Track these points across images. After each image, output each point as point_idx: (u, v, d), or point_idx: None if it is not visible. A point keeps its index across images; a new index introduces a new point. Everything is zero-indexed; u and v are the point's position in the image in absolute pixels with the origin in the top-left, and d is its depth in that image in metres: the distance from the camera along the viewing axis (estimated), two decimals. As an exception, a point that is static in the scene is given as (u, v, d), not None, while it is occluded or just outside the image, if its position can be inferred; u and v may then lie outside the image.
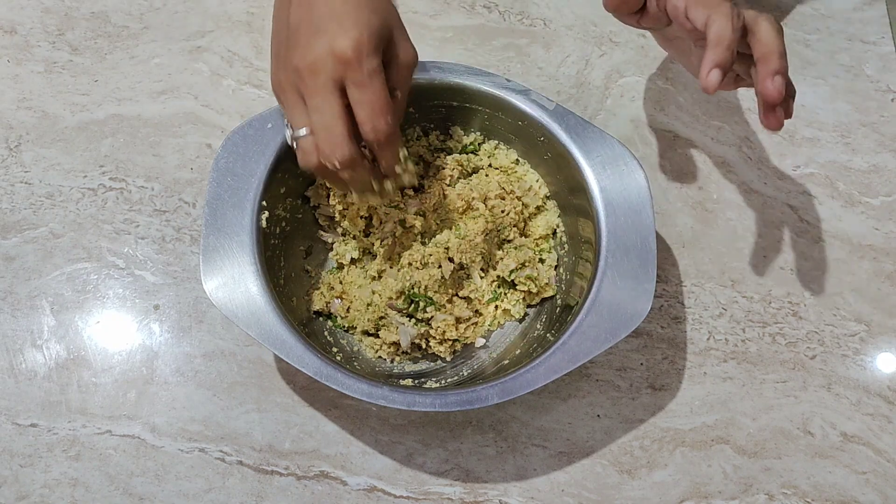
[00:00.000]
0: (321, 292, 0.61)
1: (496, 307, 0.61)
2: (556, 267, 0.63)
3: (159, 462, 0.58)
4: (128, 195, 0.66)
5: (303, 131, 0.50)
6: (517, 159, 0.64)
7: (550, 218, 0.63)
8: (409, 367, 0.60)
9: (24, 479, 0.57)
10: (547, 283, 0.61)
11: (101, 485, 0.57)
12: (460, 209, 0.61)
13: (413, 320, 0.59)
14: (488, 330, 0.62)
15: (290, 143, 0.53)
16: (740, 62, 0.52)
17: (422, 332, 0.58)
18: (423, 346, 0.60)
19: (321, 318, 0.61)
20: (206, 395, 0.60)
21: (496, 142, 0.64)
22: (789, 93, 0.51)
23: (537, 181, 0.63)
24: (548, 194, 0.63)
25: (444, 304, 0.59)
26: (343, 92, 0.48)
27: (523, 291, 0.61)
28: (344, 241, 0.62)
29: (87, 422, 0.59)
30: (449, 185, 0.62)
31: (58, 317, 0.61)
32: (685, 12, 0.51)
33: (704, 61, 0.49)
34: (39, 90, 0.69)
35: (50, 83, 0.69)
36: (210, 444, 0.58)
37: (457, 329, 0.59)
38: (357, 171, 0.50)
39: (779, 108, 0.50)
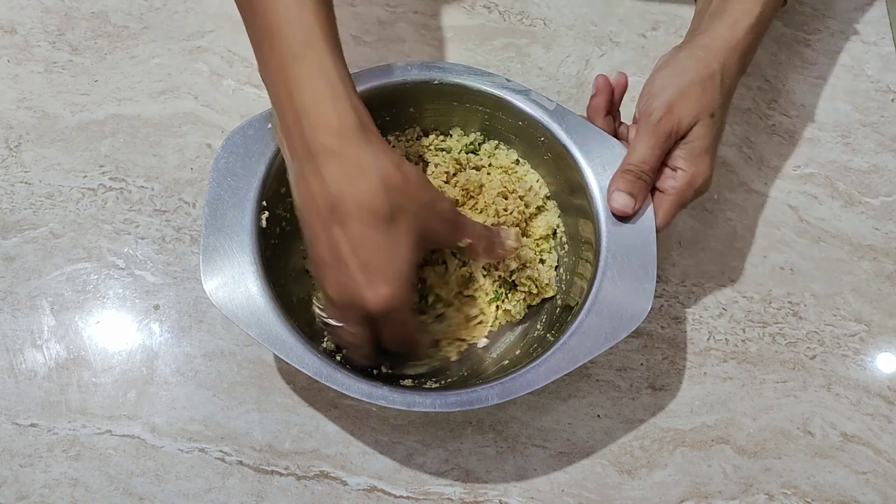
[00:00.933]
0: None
1: (497, 307, 0.61)
2: (556, 267, 0.63)
3: (159, 462, 0.58)
4: (128, 195, 0.66)
5: (333, 321, 0.51)
6: (517, 159, 0.64)
7: (551, 218, 0.63)
8: (410, 368, 0.60)
9: (24, 479, 0.57)
10: (547, 284, 0.61)
11: (101, 485, 0.57)
12: (461, 200, 0.61)
13: (428, 317, 0.59)
14: (490, 330, 0.62)
15: (318, 317, 0.54)
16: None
17: (439, 328, 0.58)
18: (436, 346, 0.60)
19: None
20: (206, 395, 0.60)
21: (496, 142, 0.64)
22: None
23: (537, 181, 0.63)
24: (548, 194, 0.63)
25: (452, 301, 0.59)
26: (374, 320, 0.49)
27: (524, 292, 0.61)
28: None
29: (87, 422, 0.59)
30: (446, 183, 0.62)
31: (58, 317, 0.61)
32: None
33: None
34: (39, 90, 0.69)
35: (50, 83, 0.69)
36: (210, 444, 0.58)
37: (467, 327, 0.59)
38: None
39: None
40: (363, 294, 0.46)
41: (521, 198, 0.62)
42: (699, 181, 0.55)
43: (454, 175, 0.63)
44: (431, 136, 0.64)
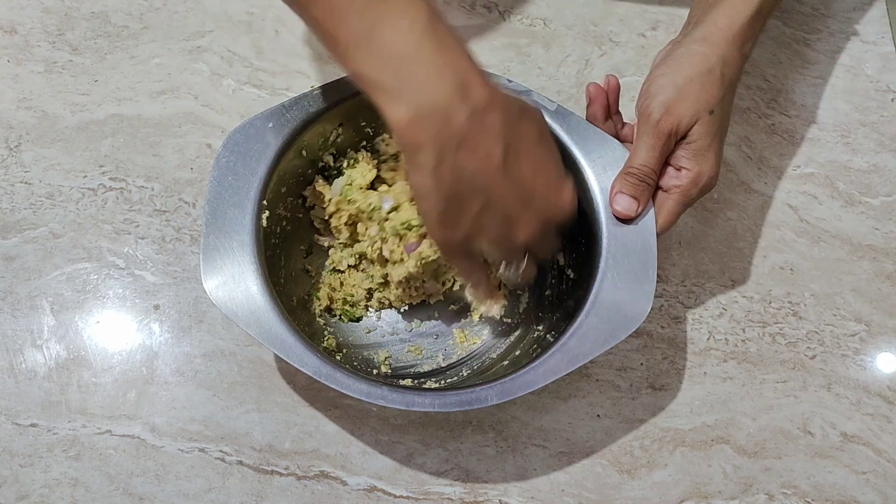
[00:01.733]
0: (324, 292, 0.61)
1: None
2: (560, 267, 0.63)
3: (159, 462, 0.58)
4: (128, 195, 0.66)
5: (524, 264, 0.54)
6: None
7: None
8: (407, 363, 0.60)
9: (24, 479, 0.57)
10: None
11: (101, 485, 0.57)
12: None
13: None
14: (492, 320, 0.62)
15: (503, 274, 0.55)
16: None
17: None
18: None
19: (321, 318, 0.61)
20: (206, 395, 0.60)
21: None
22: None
23: None
24: None
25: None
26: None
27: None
28: (341, 247, 0.62)
29: (87, 422, 0.59)
30: None
31: (58, 317, 0.61)
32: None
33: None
34: (39, 90, 0.69)
35: (50, 83, 0.69)
36: (210, 444, 0.58)
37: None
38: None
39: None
40: (558, 207, 0.50)
41: None
42: (704, 179, 0.56)
43: None
44: None
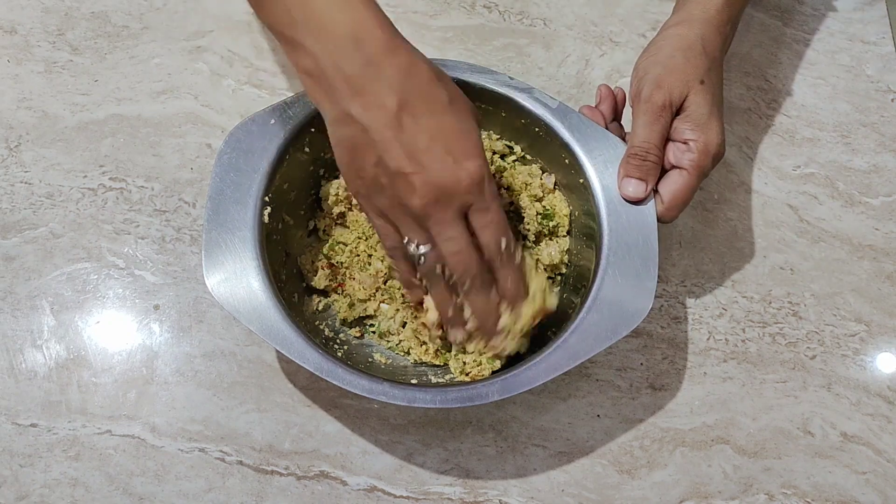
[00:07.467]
0: (322, 272, 0.61)
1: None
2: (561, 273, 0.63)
3: (159, 462, 0.58)
4: (128, 195, 0.66)
5: (425, 248, 0.50)
6: (522, 158, 0.64)
7: (561, 246, 0.63)
8: (413, 360, 0.60)
9: (24, 479, 0.57)
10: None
11: (101, 485, 0.57)
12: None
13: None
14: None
15: (413, 254, 0.52)
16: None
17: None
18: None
19: (321, 316, 0.61)
20: (206, 395, 0.60)
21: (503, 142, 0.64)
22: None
23: (539, 180, 0.63)
24: (550, 191, 0.63)
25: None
26: (466, 217, 0.49)
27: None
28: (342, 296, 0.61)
29: (87, 422, 0.58)
30: None
31: (58, 317, 0.61)
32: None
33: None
34: (39, 90, 0.69)
35: (50, 83, 0.69)
36: (210, 444, 0.58)
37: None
38: (481, 296, 0.51)
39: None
40: (457, 175, 0.47)
41: (526, 185, 0.62)
42: (713, 146, 0.55)
43: None
44: None
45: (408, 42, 0.48)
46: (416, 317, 0.58)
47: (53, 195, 0.65)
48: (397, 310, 0.59)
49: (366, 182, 0.48)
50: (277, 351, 0.61)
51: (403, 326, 0.60)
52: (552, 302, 0.54)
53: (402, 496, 0.58)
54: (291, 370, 0.61)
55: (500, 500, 0.58)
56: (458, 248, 0.49)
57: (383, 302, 0.60)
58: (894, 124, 0.73)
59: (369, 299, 0.60)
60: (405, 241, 0.50)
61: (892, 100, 0.74)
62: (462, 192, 0.47)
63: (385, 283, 0.60)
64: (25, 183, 0.65)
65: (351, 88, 0.46)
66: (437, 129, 0.47)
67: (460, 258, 0.49)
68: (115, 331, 0.61)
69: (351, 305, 0.60)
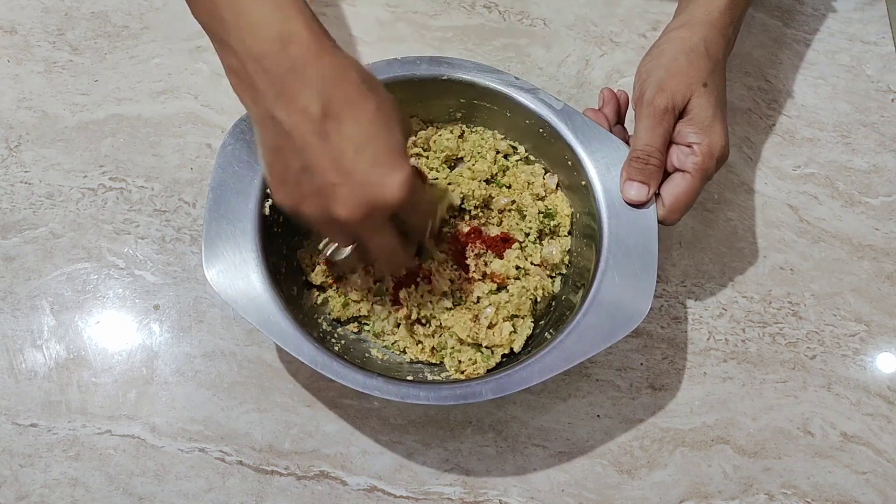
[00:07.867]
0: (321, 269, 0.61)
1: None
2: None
3: (159, 462, 0.58)
4: (128, 195, 0.66)
5: (347, 250, 0.52)
6: (525, 158, 0.64)
7: (563, 245, 0.63)
8: (406, 358, 0.60)
9: (24, 479, 0.57)
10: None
11: (101, 485, 0.57)
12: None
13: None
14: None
15: (323, 254, 0.55)
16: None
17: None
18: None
19: (319, 310, 0.61)
20: (206, 395, 0.60)
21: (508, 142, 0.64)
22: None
23: (541, 180, 0.63)
24: (552, 191, 0.63)
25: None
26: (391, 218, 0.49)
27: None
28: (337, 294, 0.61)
29: (87, 422, 0.59)
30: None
31: (58, 317, 0.61)
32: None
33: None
34: (39, 90, 0.69)
35: (50, 83, 0.69)
36: (210, 444, 0.58)
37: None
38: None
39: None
40: (383, 188, 0.45)
41: (529, 185, 0.62)
42: (717, 149, 0.55)
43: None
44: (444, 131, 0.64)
45: (338, 46, 0.47)
46: (407, 318, 0.59)
47: (53, 195, 0.65)
48: (390, 312, 0.59)
49: (289, 186, 0.47)
50: (277, 350, 0.61)
51: (398, 327, 0.60)
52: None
53: (402, 496, 0.58)
54: (291, 370, 0.61)
55: (500, 500, 0.58)
56: (387, 251, 0.50)
57: (376, 303, 0.60)
58: (894, 124, 0.73)
59: (362, 300, 0.60)
60: (323, 242, 0.54)
61: (892, 100, 0.74)
62: (389, 206, 0.46)
63: (376, 283, 0.60)
64: (25, 183, 0.65)
65: (275, 90, 0.45)
66: (362, 139, 0.45)
67: (390, 258, 0.51)
68: (115, 331, 0.61)
69: (345, 305, 0.60)
